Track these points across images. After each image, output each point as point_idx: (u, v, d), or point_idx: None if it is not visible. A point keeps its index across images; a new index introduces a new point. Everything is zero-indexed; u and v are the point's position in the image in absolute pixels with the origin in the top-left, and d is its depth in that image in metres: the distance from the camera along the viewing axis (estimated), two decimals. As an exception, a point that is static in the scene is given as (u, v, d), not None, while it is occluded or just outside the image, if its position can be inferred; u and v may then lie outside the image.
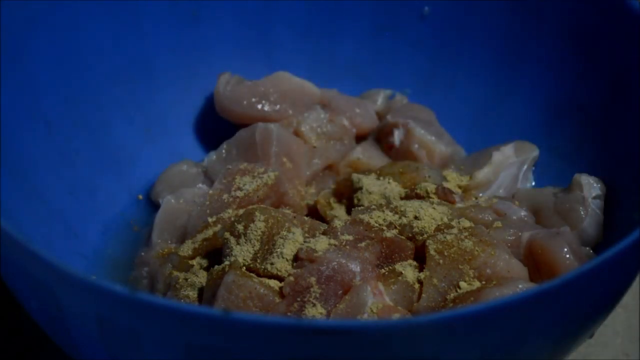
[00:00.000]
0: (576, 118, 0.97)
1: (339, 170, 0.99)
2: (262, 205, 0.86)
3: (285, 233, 0.81)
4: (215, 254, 0.86)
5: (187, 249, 0.87)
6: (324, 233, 0.82)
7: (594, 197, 0.89)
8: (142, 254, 0.91)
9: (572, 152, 0.97)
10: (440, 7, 1.04)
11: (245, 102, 1.00)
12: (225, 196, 0.89)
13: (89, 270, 0.90)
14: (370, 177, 0.91)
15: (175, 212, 0.92)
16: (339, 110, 1.01)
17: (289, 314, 0.76)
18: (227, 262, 0.80)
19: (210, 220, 0.88)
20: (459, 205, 0.88)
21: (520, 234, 0.84)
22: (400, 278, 0.79)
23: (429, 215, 0.84)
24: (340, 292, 0.77)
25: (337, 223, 0.83)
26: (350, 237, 0.81)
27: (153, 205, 0.97)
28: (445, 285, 0.78)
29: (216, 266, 0.81)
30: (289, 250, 0.80)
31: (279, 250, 0.80)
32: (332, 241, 0.80)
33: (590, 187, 0.90)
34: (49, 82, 0.91)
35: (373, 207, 0.86)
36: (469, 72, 1.05)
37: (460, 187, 0.94)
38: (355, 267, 0.78)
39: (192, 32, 1.03)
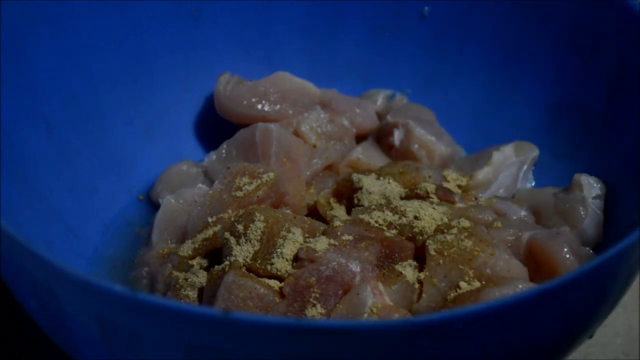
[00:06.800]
0: (576, 118, 0.97)
1: (339, 170, 0.99)
2: (262, 205, 0.86)
3: (285, 233, 0.81)
4: (215, 254, 0.86)
5: (187, 249, 0.87)
6: (324, 233, 0.82)
7: (594, 197, 0.89)
8: (142, 254, 0.91)
9: (572, 152, 0.97)
10: (440, 7, 1.04)
11: (245, 102, 1.00)
12: (225, 196, 0.89)
13: (89, 270, 0.90)
14: (370, 177, 0.91)
15: (175, 212, 0.92)
16: (339, 110, 1.01)
17: (289, 314, 0.76)
18: (227, 262, 0.80)
19: (210, 220, 0.88)
20: (459, 205, 0.88)
21: (520, 234, 0.84)
22: (400, 278, 0.79)
23: (429, 215, 0.84)
24: (340, 292, 0.77)
25: (337, 223, 0.83)
26: (350, 237, 0.81)
27: (153, 205, 0.97)
28: (445, 285, 0.78)
29: (216, 266, 0.81)
30: (289, 250, 0.80)
31: (279, 250, 0.80)
32: (332, 241, 0.80)
33: (590, 187, 0.90)
34: (49, 82, 0.91)
35: (373, 207, 0.86)
36: (469, 72, 1.05)
37: (460, 187, 0.94)
38: (355, 267, 0.78)
39: (192, 32, 1.03)
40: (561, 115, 0.98)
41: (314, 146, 0.99)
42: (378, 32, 1.07)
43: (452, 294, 0.78)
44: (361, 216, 0.84)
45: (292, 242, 0.80)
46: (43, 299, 0.68)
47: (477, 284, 0.78)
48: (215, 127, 1.04)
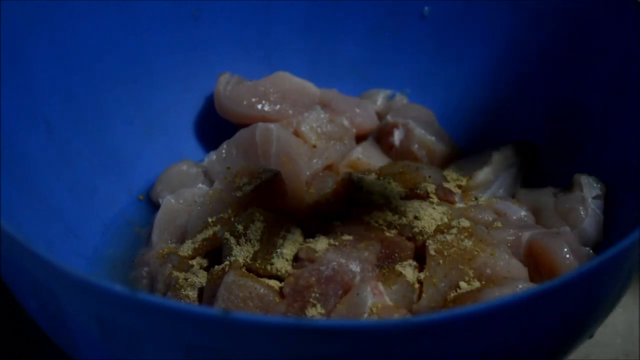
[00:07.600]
0: (576, 118, 0.97)
1: (339, 170, 0.99)
2: (262, 206, 0.86)
3: (285, 233, 0.81)
4: (215, 254, 0.86)
5: (187, 249, 0.87)
6: (324, 233, 0.82)
7: (594, 197, 0.89)
8: (142, 254, 0.91)
9: (572, 152, 0.97)
10: (440, 7, 1.04)
11: (245, 102, 1.00)
12: (225, 196, 0.89)
13: (89, 270, 0.90)
14: (370, 177, 0.91)
15: (175, 212, 0.92)
16: (339, 110, 1.01)
17: (289, 314, 0.76)
18: (227, 262, 0.80)
19: (210, 220, 0.88)
20: (459, 205, 0.88)
21: (520, 234, 0.84)
22: (400, 278, 0.79)
23: (429, 215, 0.84)
24: (340, 292, 0.77)
25: (337, 223, 0.83)
26: (350, 237, 0.81)
27: (153, 205, 0.97)
28: (445, 285, 0.78)
29: (216, 266, 0.81)
30: (289, 250, 0.80)
31: (279, 250, 0.80)
32: (332, 241, 0.80)
33: (590, 187, 0.90)
34: (49, 82, 0.91)
35: (373, 207, 0.86)
36: (469, 72, 1.05)
37: (460, 187, 0.94)
38: (355, 267, 0.78)
39: (192, 32, 1.03)
40: (561, 115, 0.98)
41: (314, 146, 0.99)
42: (378, 32, 1.07)
43: (452, 294, 0.78)
44: (361, 216, 0.84)
45: (292, 242, 0.80)
46: (43, 299, 0.68)
47: (477, 284, 0.78)
48: (215, 127, 1.04)
